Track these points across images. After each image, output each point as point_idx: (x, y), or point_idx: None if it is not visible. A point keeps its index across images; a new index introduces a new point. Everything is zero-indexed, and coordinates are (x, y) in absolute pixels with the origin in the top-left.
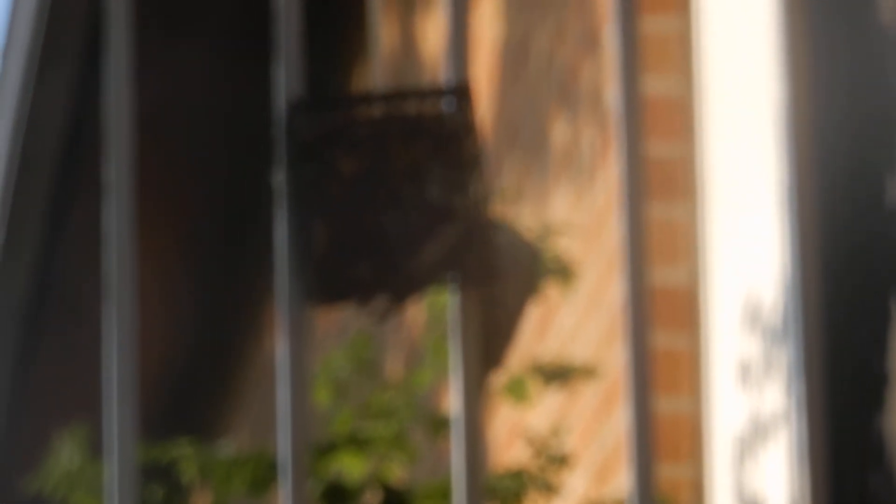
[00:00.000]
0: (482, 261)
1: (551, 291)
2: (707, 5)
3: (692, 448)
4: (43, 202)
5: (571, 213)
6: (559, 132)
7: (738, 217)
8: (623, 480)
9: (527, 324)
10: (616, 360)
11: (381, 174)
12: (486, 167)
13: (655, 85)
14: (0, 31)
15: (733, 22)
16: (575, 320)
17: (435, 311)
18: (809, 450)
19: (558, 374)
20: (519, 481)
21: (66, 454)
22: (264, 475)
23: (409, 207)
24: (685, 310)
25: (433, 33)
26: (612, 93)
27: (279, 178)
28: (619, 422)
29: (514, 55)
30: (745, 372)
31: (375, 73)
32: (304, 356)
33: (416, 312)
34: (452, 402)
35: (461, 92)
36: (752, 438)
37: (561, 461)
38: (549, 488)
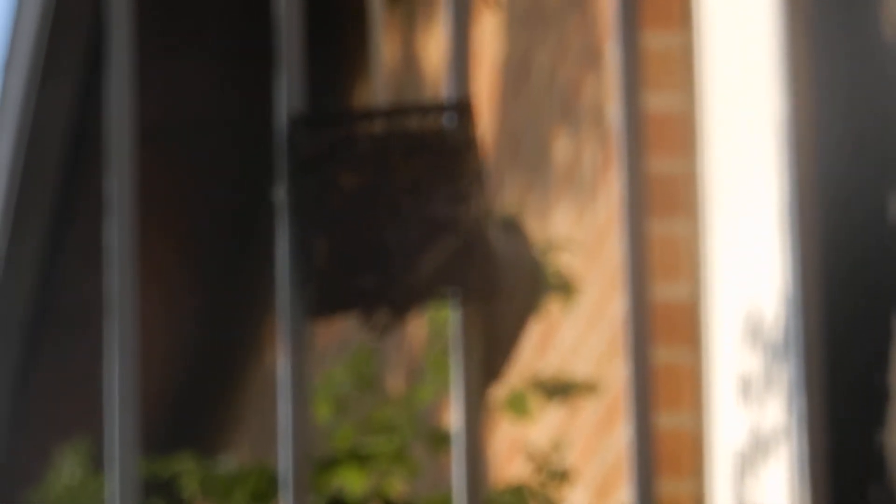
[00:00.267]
0: (483, 275)
1: (553, 307)
2: (708, 21)
3: (693, 463)
4: (45, 216)
5: (573, 228)
6: (561, 148)
7: (739, 233)
8: (624, 496)
9: (528, 339)
10: (617, 376)
11: (383, 189)
12: (487, 182)
13: (657, 101)
14: (2, 45)
15: (735, 37)
16: (576, 335)
17: (436, 326)
18: (810, 465)
19: (559, 390)
20: (520, 496)
21: (67, 468)
22: (265, 490)
23: (409, 222)
24: (686, 325)
25: (435, 49)
26: (613, 108)
27: (280, 193)
28: (621, 437)
29: (516, 71)
30: (746, 387)
31: (377, 89)
32: (305, 371)
33: (418, 327)
34: (453, 417)
35: (462, 107)
36: (753, 453)
37: (562, 476)
38: None
